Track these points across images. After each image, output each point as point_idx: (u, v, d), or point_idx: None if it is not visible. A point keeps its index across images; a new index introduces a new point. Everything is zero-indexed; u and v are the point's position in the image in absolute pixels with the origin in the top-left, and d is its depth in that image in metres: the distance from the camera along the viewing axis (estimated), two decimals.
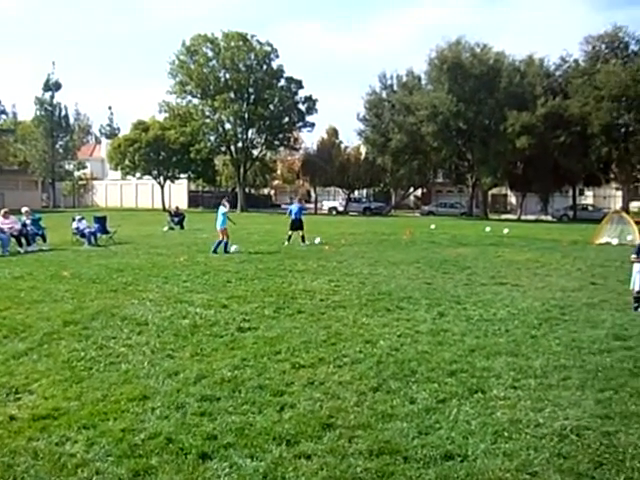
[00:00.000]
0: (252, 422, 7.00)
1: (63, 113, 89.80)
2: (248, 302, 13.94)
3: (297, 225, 28.99)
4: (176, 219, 40.44)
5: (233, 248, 25.34)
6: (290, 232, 28.85)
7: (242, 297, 14.56)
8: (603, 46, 64.83)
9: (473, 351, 9.97)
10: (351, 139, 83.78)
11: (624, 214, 35.08)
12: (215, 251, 24.76)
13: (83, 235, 28.24)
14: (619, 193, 70.79)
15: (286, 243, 28.38)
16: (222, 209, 26.34)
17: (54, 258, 22.62)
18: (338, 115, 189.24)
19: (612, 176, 68.74)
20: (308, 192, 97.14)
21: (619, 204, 65.94)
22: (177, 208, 43.71)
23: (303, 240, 28.57)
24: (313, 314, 12.75)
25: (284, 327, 11.50)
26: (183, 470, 5.92)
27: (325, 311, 13.10)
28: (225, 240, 25.51)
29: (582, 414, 7.30)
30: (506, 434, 6.72)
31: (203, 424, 6.94)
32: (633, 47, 64.15)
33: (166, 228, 38.82)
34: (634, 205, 71.35)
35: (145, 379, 8.49)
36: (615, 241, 31.22)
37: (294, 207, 29.89)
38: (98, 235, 29.05)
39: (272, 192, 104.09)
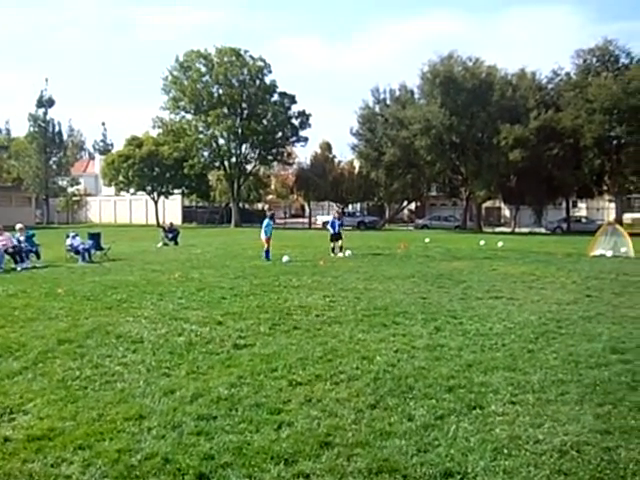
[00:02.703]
0: (250, 441, 6.93)
1: (56, 129, 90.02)
2: (243, 319, 13.86)
3: (336, 237, 31.25)
4: (170, 235, 40.35)
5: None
6: (332, 244, 31.20)
7: (237, 314, 14.48)
8: (594, 59, 65.25)
9: (470, 366, 9.92)
10: (345, 153, 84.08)
11: (618, 226, 35.13)
12: (267, 258, 27.92)
13: (77, 252, 28.11)
14: (612, 205, 70.97)
15: (331, 255, 30.44)
16: (266, 221, 29.25)
17: (48, 275, 22.53)
18: (332, 129, 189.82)
19: (605, 188, 68.96)
20: (302, 207, 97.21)
21: (612, 216, 66.07)
22: (171, 224, 43.60)
23: (340, 249, 30.76)
24: (309, 330, 12.69)
25: (280, 344, 11.43)
26: None
27: (321, 327, 13.03)
28: (267, 248, 28.37)
29: (581, 429, 7.25)
30: (506, 451, 6.66)
31: (200, 444, 6.87)
32: (623, 60, 64.61)
33: (160, 244, 38.74)
34: (627, 217, 71.65)
35: (141, 398, 8.41)
36: (609, 253, 31.23)
37: (330, 221, 33.40)
38: (92, 251, 28.90)
39: (266, 207, 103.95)
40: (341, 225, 32.91)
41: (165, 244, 38.95)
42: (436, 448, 6.76)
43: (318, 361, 10.21)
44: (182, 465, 6.32)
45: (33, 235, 28.33)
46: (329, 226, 32.38)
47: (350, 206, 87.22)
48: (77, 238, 28.96)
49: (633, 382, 9.10)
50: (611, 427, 7.34)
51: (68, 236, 29.23)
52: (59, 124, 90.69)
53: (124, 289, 18.55)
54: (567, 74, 67.72)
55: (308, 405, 8.11)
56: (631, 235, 33.65)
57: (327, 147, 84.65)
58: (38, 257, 26.86)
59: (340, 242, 31.06)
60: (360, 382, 9.07)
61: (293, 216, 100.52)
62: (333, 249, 30.80)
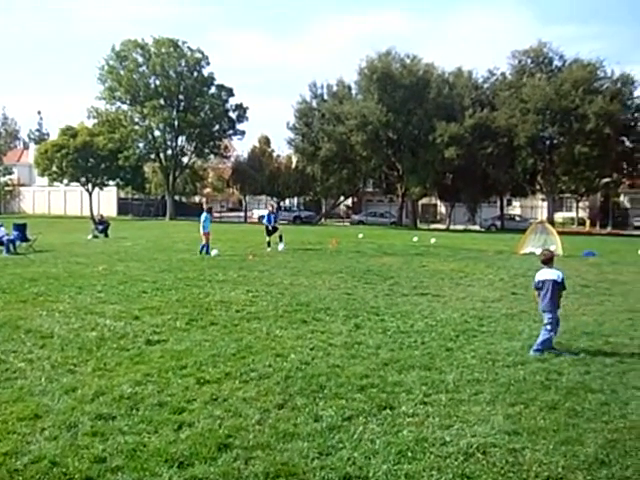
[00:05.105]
0: (146, 443, 6.63)
1: None
2: (161, 314, 13.50)
3: (270, 231, 30.68)
4: (100, 227, 39.71)
5: (214, 252, 27.09)
6: (268, 238, 30.55)
7: (156, 308, 14.11)
8: (529, 60, 66.39)
9: (386, 365, 9.75)
10: (283, 148, 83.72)
11: (547, 224, 35.51)
12: (200, 252, 27.28)
13: (1, 243, 27.33)
14: (545, 204, 72.09)
15: (267, 249, 29.79)
16: (204, 215, 28.57)
17: None
18: (273, 124, 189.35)
19: (538, 187, 70.11)
20: (240, 201, 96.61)
21: (545, 214, 67.08)
22: (102, 216, 43.06)
23: (280, 240, 30.45)
24: (226, 326, 12.39)
25: (194, 340, 11.10)
26: None
27: (239, 323, 12.74)
28: (206, 243, 27.72)
29: (490, 430, 7.13)
30: (410, 454, 6.48)
31: (94, 445, 6.54)
32: (557, 62, 65.97)
33: (90, 236, 37.99)
34: (559, 216, 72.86)
35: (40, 396, 8.03)
36: (539, 251, 31.23)
37: (266, 215, 32.75)
38: (17, 243, 28.16)
39: (203, 200, 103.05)
40: (276, 219, 32.42)
41: (95, 236, 38.22)
42: (339, 451, 6.54)
43: (230, 358, 9.93)
44: (70, 469, 5.99)
45: None
46: (264, 220, 31.98)
47: (287, 200, 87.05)
48: (1, 229, 28.18)
49: (547, 381, 9.06)
50: (520, 428, 7.24)
51: None
52: None
53: (44, 282, 17.97)
54: (502, 74, 68.94)
55: (213, 404, 7.82)
56: (561, 234, 34.08)
57: (266, 141, 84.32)
58: None
59: (277, 234, 30.63)
60: (270, 381, 8.82)
61: (231, 210, 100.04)
62: (268, 243, 30.44)
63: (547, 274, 11.15)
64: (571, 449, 6.66)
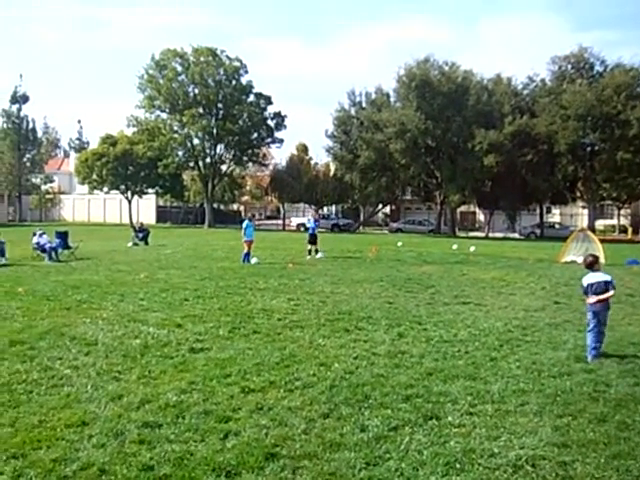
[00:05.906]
0: (193, 451, 6.63)
1: (30, 126, 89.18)
2: (203, 321, 13.56)
3: (313, 239, 31.22)
4: (140, 235, 40.02)
5: (254, 260, 27.24)
6: (309, 246, 31.04)
7: (198, 316, 14.17)
8: (569, 66, 65.55)
9: (430, 374, 9.67)
10: (321, 156, 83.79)
11: (589, 232, 35.08)
12: (243, 260, 27.38)
13: (44, 250, 27.66)
14: (585, 211, 71.33)
15: (308, 257, 30.29)
16: (245, 223, 29.02)
17: (11, 273, 22.11)
18: (311, 131, 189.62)
19: (578, 194, 69.33)
20: (278, 208, 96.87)
21: (585, 222, 66.37)
22: (142, 224, 43.41)
23: (316, 252, 30.80)
24: (269, 334, 12.40)
25: (237, 348, 11.11)
26: None
27: (282, 331, 12.73)
28: (247, 251, 27.74)
29: (538, 442, 7.02)
30: (458, 465, 6.40)
31: (141, 453, 6.56)
32: (598, 68, 64.93)
33: (130, 244, 38.33)
34: (600, 223, 71.99)
35: (87, 403, 8.09)
36: (580, 259, 30.96)
37: (310, 223, 33.51)
38: (59, 250, 28.46)
39: (242, 208, 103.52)
40: (316, 226, 32.73)
41: (135, 244, 38.56)
42: (386, 462, 6.48)
43: (274, 367, 9.92)
44: (118, 477, 6.02)
45: None
46: (309, 227, 32.43)
47: (325, 208, 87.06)
48: (44, 236, 28.53)
49: (595, 392, 8.91)
50: (569, 440, 7.12)
51: (35, 234, 28.79)
52: (33, 121, 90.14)
53: (86, 289, 18.16)
54: (542, 80, 68.10)
55: (258, 413, 7.81)
56: (603, 242, 33.66)
57: (304, 149, 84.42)
58: (2, 255, 26.28)
59: (315, 246, 30.93)
60: (315, 390, 8.79)
61: (268, 217, 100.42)
62: (309, 251, 30.70)
63: (594, 277, 11.08)
64: (623, 463, 6.53)
